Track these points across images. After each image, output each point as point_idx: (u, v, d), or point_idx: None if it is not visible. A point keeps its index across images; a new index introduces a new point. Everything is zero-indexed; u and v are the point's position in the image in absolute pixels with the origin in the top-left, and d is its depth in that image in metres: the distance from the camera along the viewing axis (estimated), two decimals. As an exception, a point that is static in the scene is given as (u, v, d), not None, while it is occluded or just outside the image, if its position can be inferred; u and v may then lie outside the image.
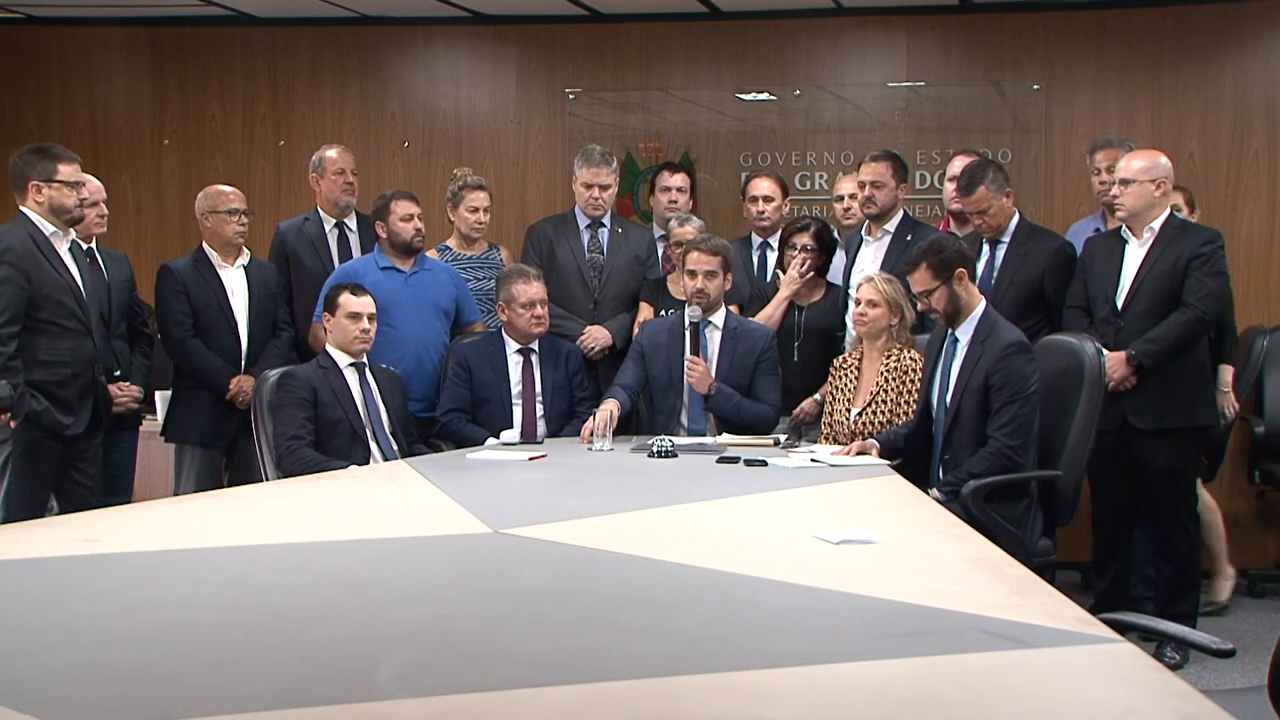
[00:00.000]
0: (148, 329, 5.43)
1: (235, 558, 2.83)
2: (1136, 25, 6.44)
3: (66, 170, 4.59)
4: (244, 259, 5.30)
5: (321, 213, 5.73)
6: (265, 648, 2.07)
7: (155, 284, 5.27)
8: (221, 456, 5.28)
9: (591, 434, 4.60)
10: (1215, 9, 6.36)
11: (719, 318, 5.05)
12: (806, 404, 5.17)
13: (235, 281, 5.26)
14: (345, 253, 5.69)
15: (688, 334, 4.97)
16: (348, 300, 4.74)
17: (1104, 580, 5.06)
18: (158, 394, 5.54)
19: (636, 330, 5.35)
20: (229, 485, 5.13)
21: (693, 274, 4.97)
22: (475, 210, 5.63)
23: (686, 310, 4.99)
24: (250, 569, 2.70)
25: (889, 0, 6.56)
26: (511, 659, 2.00)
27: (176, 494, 5.16)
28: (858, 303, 4.83)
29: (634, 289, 5.66)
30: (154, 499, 5.00)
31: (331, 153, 5.74)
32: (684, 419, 5.00)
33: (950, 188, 5.55)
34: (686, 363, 4.91)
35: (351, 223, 5.77)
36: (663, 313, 5.40)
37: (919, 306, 4.56)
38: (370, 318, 4.76)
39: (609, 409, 4.70)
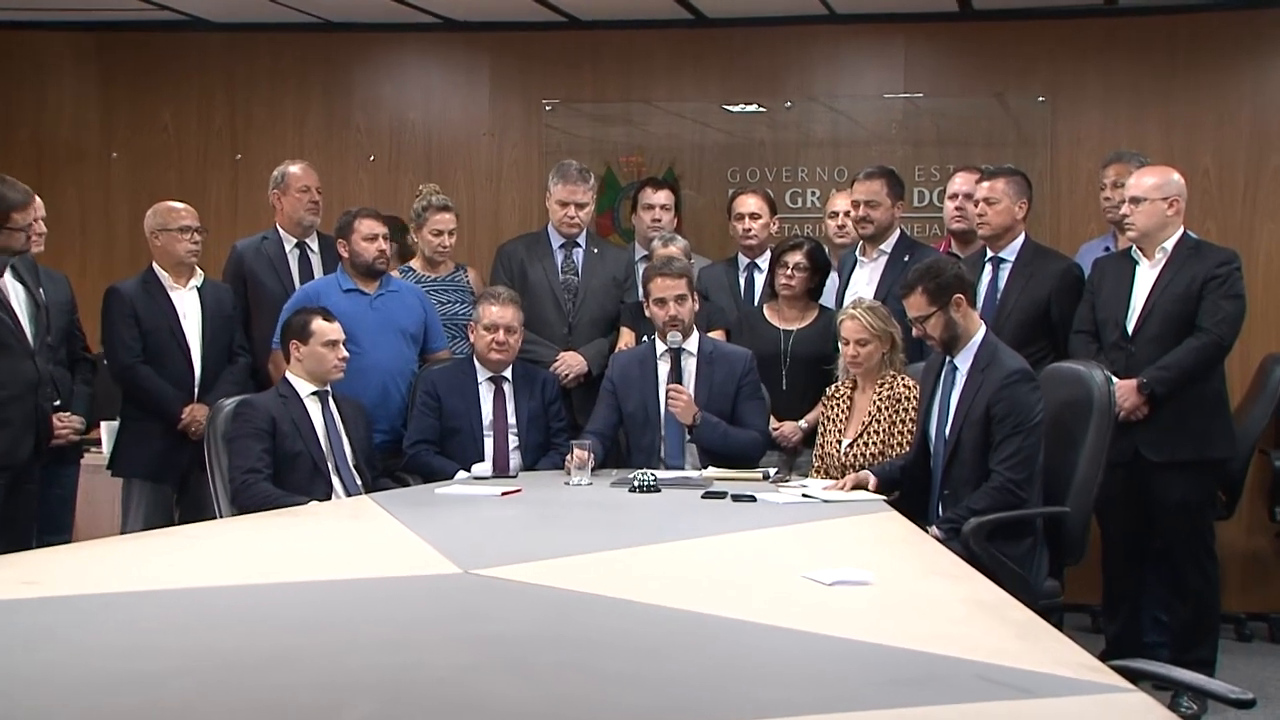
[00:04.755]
0: (89, 354, 5.40)
1: (187, 600, 2.83)
2: (1147, 34, 6.48)
3: (19, 217, 4.55)
4: (197, 280, 5.29)
5: (282, 231, 5.69)
6: (219, 697, 2.07)
7: (102, 307, 5.24)
8: (173, 491, 5.25)
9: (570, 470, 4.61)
10: (1231, 17, 6.40)
11: (692, 343, 5.06)
12: (786, 427, 5.18)
13: (188, 304, 5.25)
14: (307, 274, 5.66)
15: (666, 362, 4.97)
16: (323, 327, 4.73)
17: (1115, 624, 5.08)
18: (103, 425, 5.52)
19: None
20: (180, 522, 5.11)
21: (661, 301, 4.99)
22: (440, 233, 5.62)
23: (660, 339, 5.00)
24: (203, 613, 2.70)
25: (885, 6, 6.60)
26: (483, 708, 2.01)
27: (124, 532, 5.14)
28: (846, 343, 4.78)
29: (611, 312, 5.66)
30: (98, 538, 4.99)
31: (295, 169, 5.71)
32: (664, 454, 4.99)
33: (951, 205, 5.57)
34: (669, 393, 4.92)
35: (314, 243, 5.73)
36: (644, 338, 5.40)
37: (914, 333, 4.56)
38: (344, 343, 4.77)
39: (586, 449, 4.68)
